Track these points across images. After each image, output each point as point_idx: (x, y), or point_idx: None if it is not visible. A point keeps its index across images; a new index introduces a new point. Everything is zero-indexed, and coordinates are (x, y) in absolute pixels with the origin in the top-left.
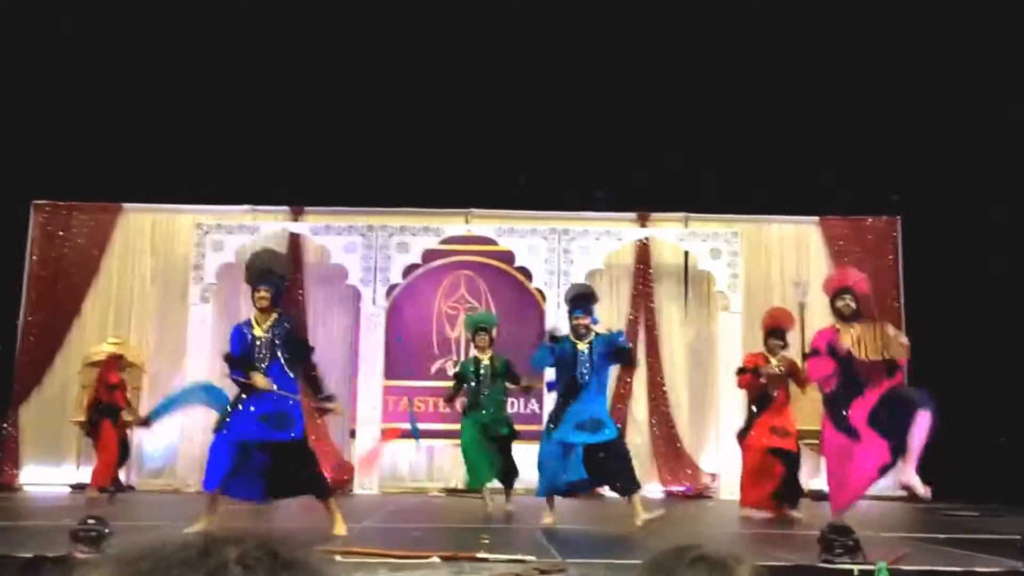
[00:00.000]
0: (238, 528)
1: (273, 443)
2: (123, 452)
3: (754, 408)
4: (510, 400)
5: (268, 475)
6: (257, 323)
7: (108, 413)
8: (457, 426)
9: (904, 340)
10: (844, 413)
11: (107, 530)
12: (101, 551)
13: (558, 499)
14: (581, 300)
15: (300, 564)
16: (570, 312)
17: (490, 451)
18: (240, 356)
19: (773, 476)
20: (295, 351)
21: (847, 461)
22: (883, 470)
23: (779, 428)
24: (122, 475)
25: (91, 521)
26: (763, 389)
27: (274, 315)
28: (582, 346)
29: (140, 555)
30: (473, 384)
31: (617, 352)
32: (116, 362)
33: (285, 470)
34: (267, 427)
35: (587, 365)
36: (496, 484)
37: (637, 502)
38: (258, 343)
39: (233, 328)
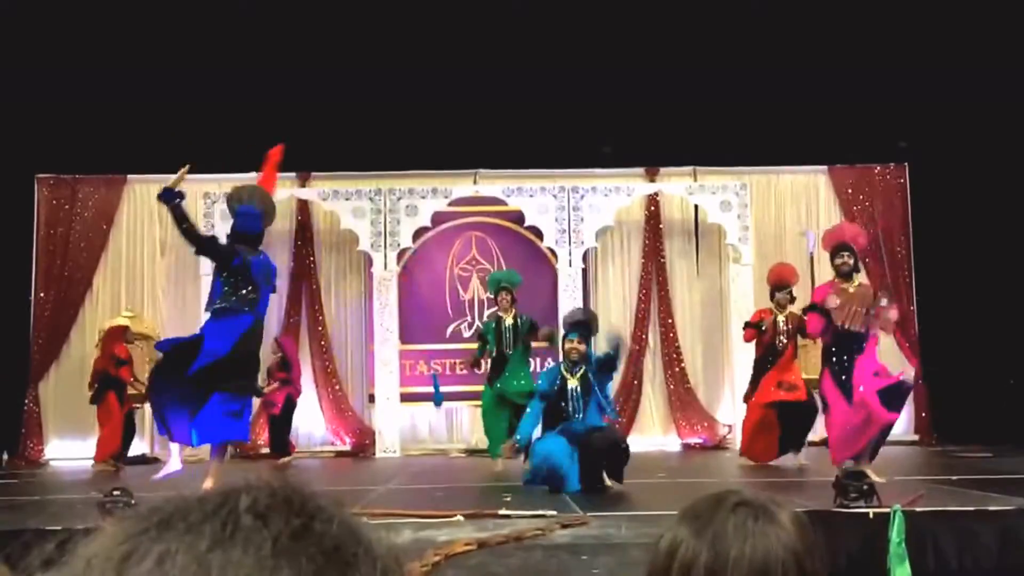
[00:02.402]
0: (253, 477)
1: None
2: (129, 427)
3: (756, 369)
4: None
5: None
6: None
7: (113, 385)
8: (476, 387)
9: (893, 315)
10: (841, 366)
11: (133, 500)
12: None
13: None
14: (579, 326)
15: (317, 512)
16: (565, 334)
17: (507, 419)
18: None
19: (776, 428)
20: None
21: (845, 413)
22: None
23: (786, 383)
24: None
25: (117, 492)
26: (770, 342)
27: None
28: (572, 382)
29: (156, 510)
30: (496, 345)
31: (606, 362)
32: (122, 334)
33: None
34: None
35: (579, 403)
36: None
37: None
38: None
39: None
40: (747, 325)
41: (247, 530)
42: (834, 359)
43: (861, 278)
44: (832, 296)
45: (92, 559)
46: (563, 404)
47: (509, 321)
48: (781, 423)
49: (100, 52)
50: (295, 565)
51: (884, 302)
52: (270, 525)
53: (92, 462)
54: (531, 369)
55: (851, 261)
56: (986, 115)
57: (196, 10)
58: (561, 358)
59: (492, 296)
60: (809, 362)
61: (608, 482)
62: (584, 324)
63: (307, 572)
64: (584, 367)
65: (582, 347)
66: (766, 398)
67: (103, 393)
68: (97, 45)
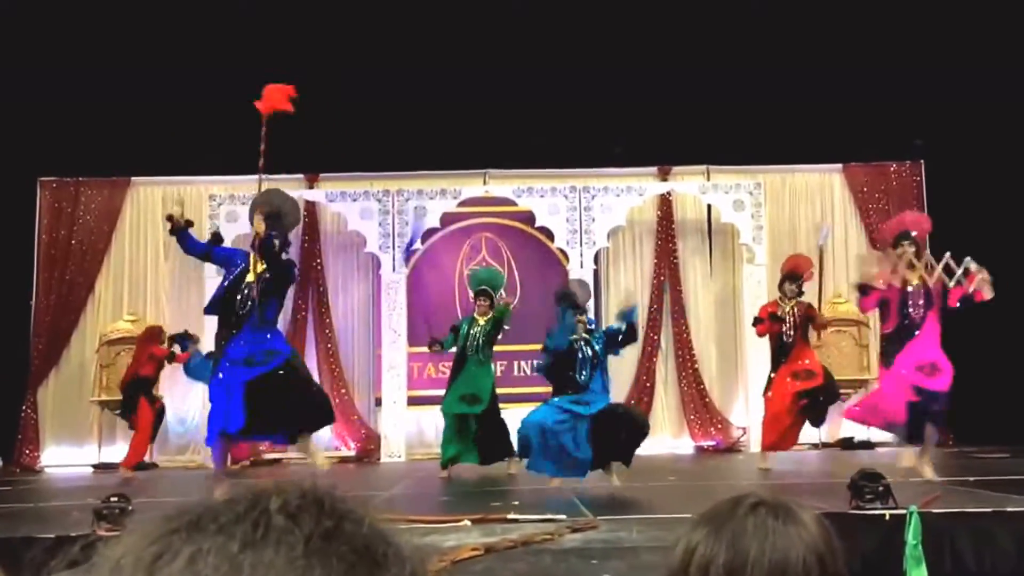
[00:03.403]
0: (283, 479)
1: (263, 377)
2: (155, 430)
3: (773, 365)
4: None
5: (256, 410)
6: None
7: (142, 388)
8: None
9: (985, 274)
10: (895, 350)
11: (129, 507)
12: (124, 527)
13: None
14: (575, 302)
15: (347, 513)
16: (573, 314)
17: (467, 436)
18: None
19: (796, 418)
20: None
21: (889, 388)
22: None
23: (801, 371)
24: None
25: (114, 499)
26: (777, 335)
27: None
28: (585, 346)
29: (184, 511)
30: (462, 344)
31: (619, 335)
32: (159, 334)
33: (275, 400)
34: (254, 367)
35: (587, 368)
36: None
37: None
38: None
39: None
40: (757, 320)
41: (279, 531)
42: (886, 352)
43: (922, 269)
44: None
45: (121, 559)
46: (571, 363)
47: (482, 323)
48: (803, 410)
49: (102, 52)
50: (327, 565)
51: (972, 265)
52: (301, 525)
53: (120, 468)
54: (493, 372)
55: (911, 249)
56: (1003, 113)
57: (199, 9)
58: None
59: (472, 297)
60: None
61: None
62: (581, 301)
63: (338, 572)
64: (597, 335)
65: (584, 319)
66: (782, 391)
67: (135, 399)
68: (99, 45)
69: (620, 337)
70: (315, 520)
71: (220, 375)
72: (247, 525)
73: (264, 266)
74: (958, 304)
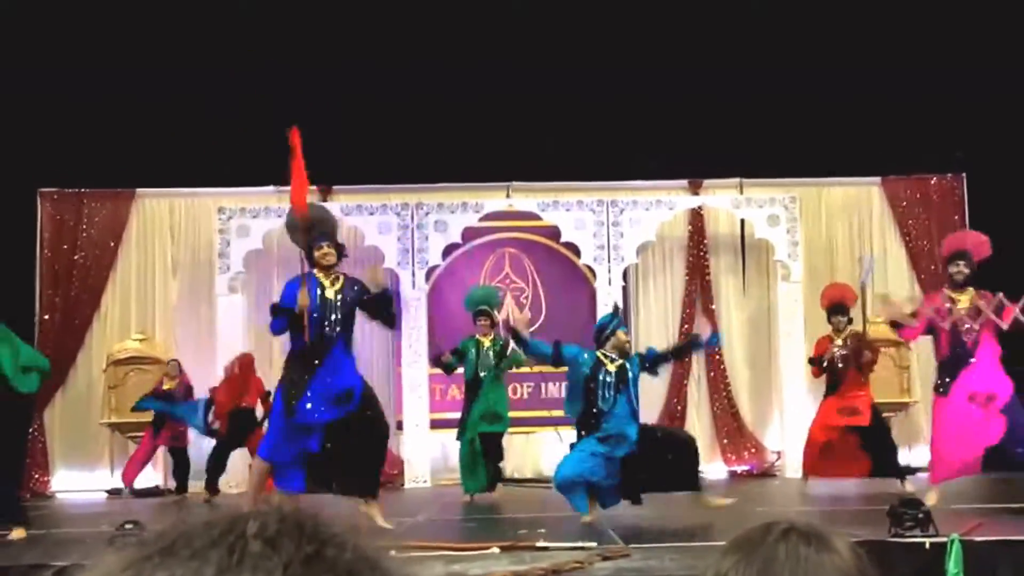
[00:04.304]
0: (265, 503)
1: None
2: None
3: (826, 393)
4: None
5: (315, 461)
6: (323, 283)
7: (249, 420)
8: (516, 413)
9: None
10: (946, 387)
11: (145, 534)
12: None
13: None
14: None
15: (330, 538)
16: (615, 330)
17: (484, 463)
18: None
19: (843, 449)
20: (377, 308)
21: (956, 432)
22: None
23: (847, 408)
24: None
25: (129, 526)
26: (829, 369)
27: (341, 276)
28: (610, 367)
29: (160, 536)
30: (473, 367)
31: (653, 361)
32: (253, 363)
33: (337, 453)
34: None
35: (609, 391)
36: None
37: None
38: (328, 304)
39: (292, 279)
40: (812, 361)
41: (255, 556)
42: (939, 380)
43: (974, 291)
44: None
45: None
46: (592, 387)
47: (487, 344)
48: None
49: (106, 56)
50: None
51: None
52: (280, 551)
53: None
54: (508, 395)
55: (966, 271)
56: None
57: (210, 16)
58: (599, 347)
59: (472, 318)
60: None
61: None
62: (620, 319)
63: None
64: (625, 359)
65: (624, 337)
66: (825, 422)
67: (246, 432)
68: (101, 47)
69: (663, 358)
70: (295, 545)
71: (296, 415)
72: (222, 550)
73: (340, 283)
74: (1010, 325)
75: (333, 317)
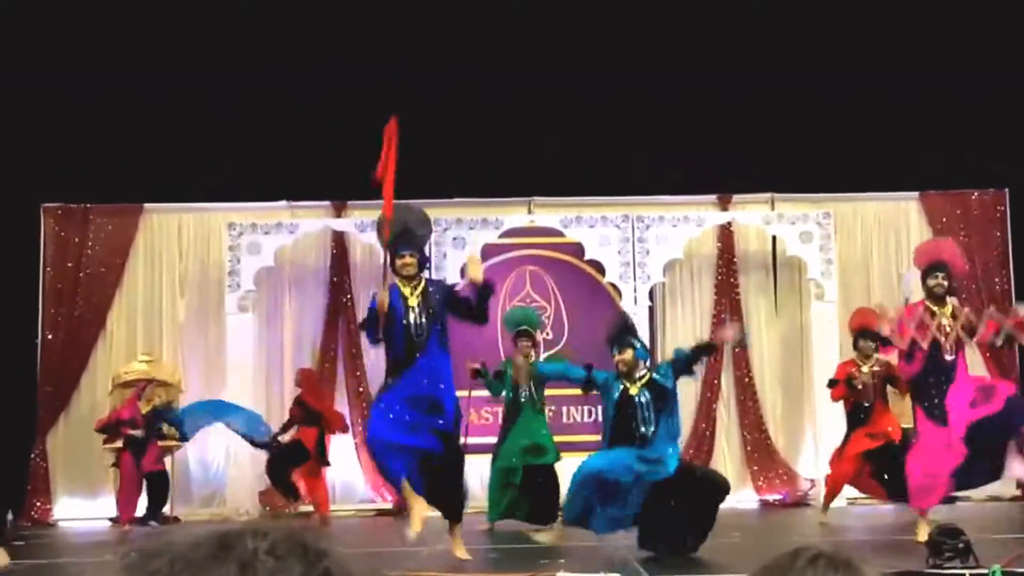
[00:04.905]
0: (253, 521)
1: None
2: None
3: (850, 425)
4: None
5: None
6: (404, 292)
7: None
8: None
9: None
10: (931, 401)
11: (133, 556)
12: None
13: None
14: (615, 340)
15: (328, 554)
16: (610, 353)
17: (513, 491)
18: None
19: (870, 476)
20: (466, 306)
21: (936, 456)
22: (956, 473)
23: (877, 433)
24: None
25: (134, 555)
26: (859, 399)
27: (422, 280)
28: (634, 389)
29: (153, 555)
30: (513, 390)
31: (685, 361)
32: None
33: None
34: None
35: (648, 413)
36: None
37: None
38: (412, 311)
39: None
40: (833, 383)
41: (270, 572)
42: (923, 393)
43: (954, 302)
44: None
45: None
46: (629, 412)
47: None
48: (879, 470)
49: (112, 65)
50: None
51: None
52: (291, 568)
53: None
54: (547, 419)
55: (945, 283)
56: None
57: (220, 26)
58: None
59: (512, 339)
60: (903, 409)
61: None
62: (619, 333)
63: None
64: (647, 372)
65: (627, 356)
66: (856, 449)
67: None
68: (106, 55)
69: (693, 357)
70: (302, 561)
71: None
72: (233, 566)
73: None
74: (990, 341)
75: (418, 322)
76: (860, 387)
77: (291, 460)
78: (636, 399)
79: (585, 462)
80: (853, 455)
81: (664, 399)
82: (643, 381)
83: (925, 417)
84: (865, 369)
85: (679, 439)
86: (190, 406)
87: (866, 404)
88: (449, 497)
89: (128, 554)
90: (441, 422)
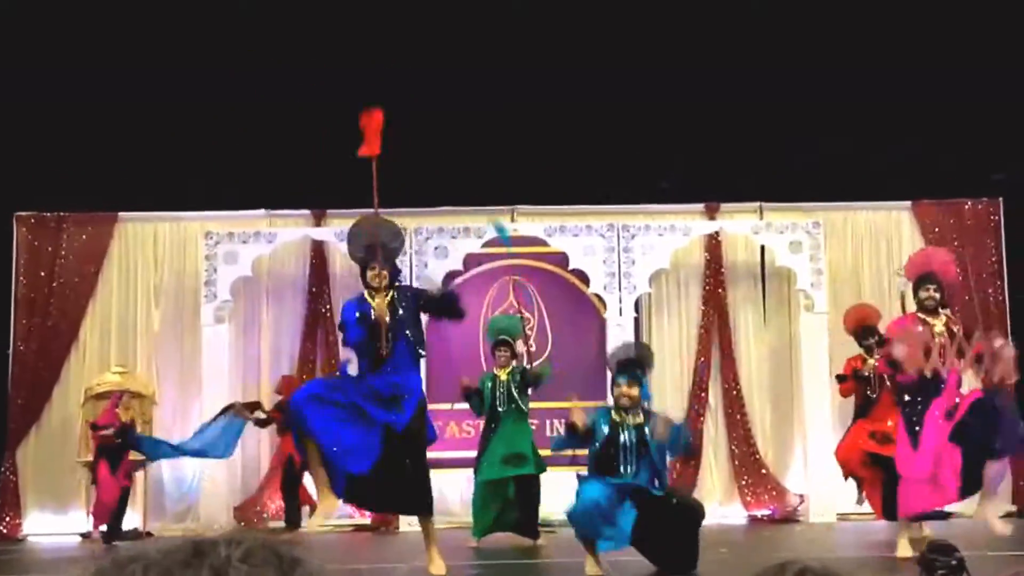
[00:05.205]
0: (228, 530)
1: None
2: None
3: (854, 420)
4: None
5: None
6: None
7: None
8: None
9: (1009, 353)
10: (914, 409)
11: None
12: None
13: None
14: (628, 366)
15: (301, 562)
16: (613, 377)
17: (498, 505)
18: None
19: (874, 482)
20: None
21: (919, 464)
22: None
23: (879, 433)
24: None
25: (107, 563)
26: (864, 391)
27: (391, 293)
28: (625, 430)
29: (126, 562)
30: (490, 402)
31: (678, 446)
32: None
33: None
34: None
35: (631, 456)
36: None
37: None
38: (379, 320)
39: (348, 300)
40: (841, 378)
41: None
42: (907, 400)
43: (947, 314)
44: (898, 344)
45: None
46: (611, 452)
47: (504, 377)
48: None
49: (87, 72)
50: None
51: (998, 343)
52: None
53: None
54: (531, 429)
55: (937, 295)
56: None
57: (198, 35)
58: (612, 403)
59: (491, 348)
60: None
61: None
62: (634, 363)
63: None
64: (642, 416)
65: (634, 391)
66: (856, 445)
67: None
68: (81, 60)
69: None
70: (277, 568)
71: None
72: (206, 574)
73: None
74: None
75: (386, 332)
76: (868, 375)
77: (297, 474)
78: (623, 440)
79: (574, 504)
80: (849, 447)
81: (646, 444)
82: (634, 423)
83: (903, 429)
84: (871, 362)
85: (665, 472)
86: (152, 439)
87: (872, 396)
88: (406, 495)
89: (100, 562)
90: (393, 419)
